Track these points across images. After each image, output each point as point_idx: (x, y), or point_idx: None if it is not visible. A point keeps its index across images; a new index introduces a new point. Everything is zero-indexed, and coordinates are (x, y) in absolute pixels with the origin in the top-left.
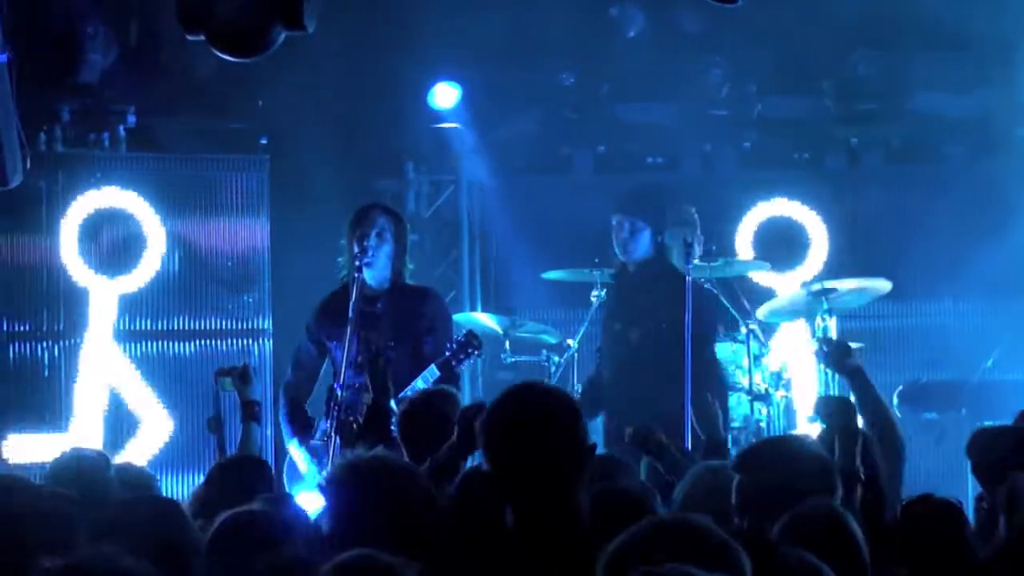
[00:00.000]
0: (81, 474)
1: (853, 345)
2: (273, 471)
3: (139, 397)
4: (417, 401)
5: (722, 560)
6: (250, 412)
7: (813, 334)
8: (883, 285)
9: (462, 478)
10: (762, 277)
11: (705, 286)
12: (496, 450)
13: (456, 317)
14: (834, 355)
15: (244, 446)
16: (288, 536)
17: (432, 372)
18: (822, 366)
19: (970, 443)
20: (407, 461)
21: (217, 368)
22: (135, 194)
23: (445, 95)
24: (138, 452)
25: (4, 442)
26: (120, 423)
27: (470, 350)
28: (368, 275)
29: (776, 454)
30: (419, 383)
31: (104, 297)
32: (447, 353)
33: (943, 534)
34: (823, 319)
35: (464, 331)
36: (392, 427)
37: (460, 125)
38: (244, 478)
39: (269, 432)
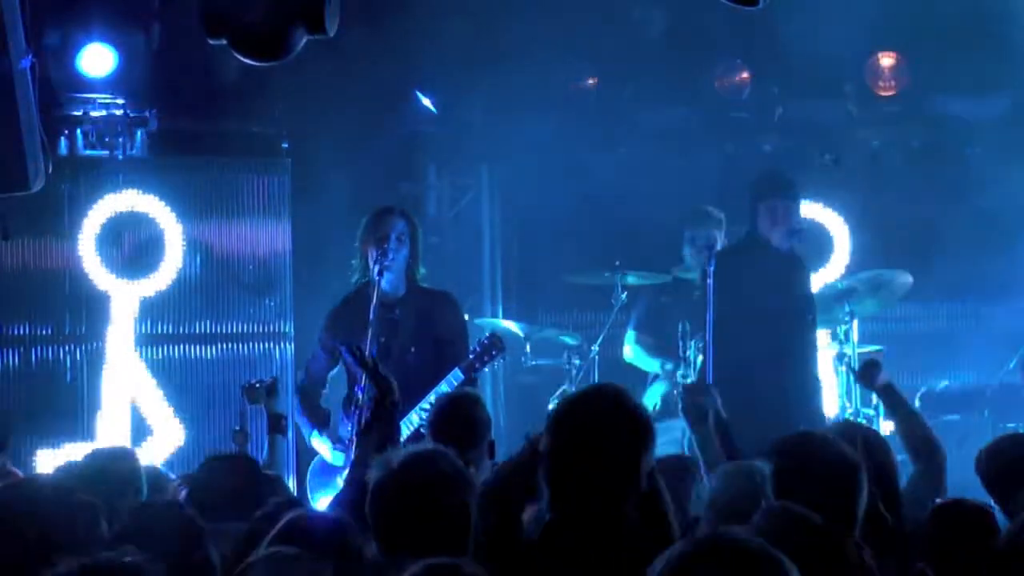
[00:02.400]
0: (108, 471)
1: (872, 349)
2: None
3: (161, 400)
4: (445, 404)
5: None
6: (276, 425)
7: (834, 338)
8: (903, 278)
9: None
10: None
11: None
12: (554, 448)
13: (478, 321)
14: (865, 374)
15: (271, 458)
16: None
17: (456, 376)
18: (857, 385)
19: (977, 460)
20: (454, 464)
21: (245, 383)
22: (154, 197)
23: (428, 100)
24: (160, 455)
25: (34, 457)
26: (142, 426)
27: (494, 352)
28: (384, 280)
29: (812, 446)
30: (443, 387)
31: (125, 300)
32: (471, 356)
33: (973, 538)
34: (845, 323)
35: (488, 333)
36: (397, 428)
37: (480, 129)
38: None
39: (290, 434)
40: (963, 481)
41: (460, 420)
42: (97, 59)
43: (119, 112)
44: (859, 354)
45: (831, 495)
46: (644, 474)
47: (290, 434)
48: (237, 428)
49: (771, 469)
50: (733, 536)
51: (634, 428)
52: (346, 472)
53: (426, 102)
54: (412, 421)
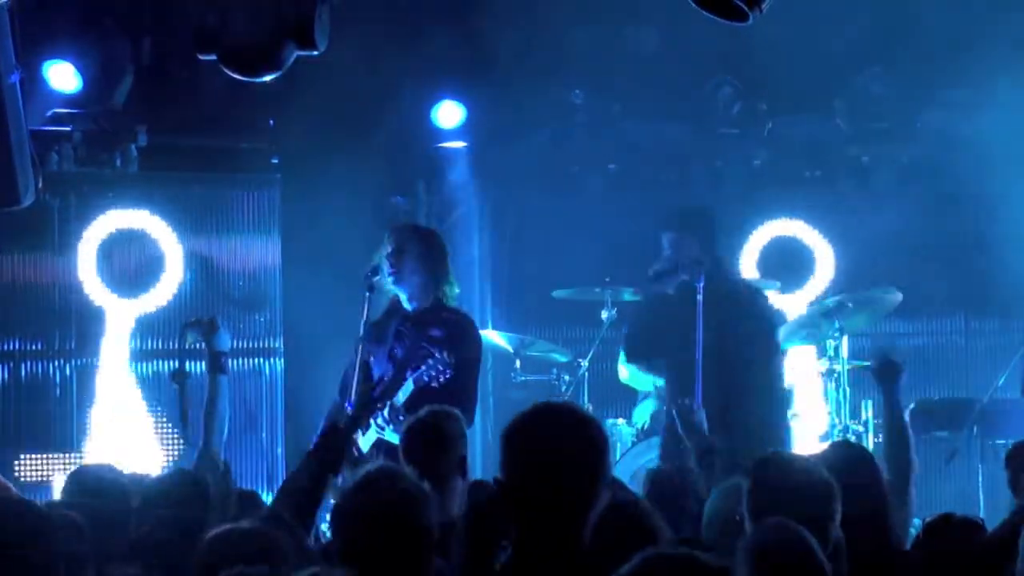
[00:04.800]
0: (94, 489)
1: (861, 365)
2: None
3: (151, 415)
4: (418, 417)
5: None
6: (217, 363)
7: (823, 355)
8: (893, 295)
9: (470, 495)
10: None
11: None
12: (509, 471)
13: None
14: (885, 372)
15: (212, 397)
16: (280, 554)
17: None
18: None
19: (1009, 456)
20: (416, 484)
21: (184, 322)
22: (154, 215)
23: (449, 114)
24: (151, 470)
25: (16, 462)
26: (134, 441)
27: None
28: (401, 294)
29: (786, 465)
30: (400, 397)
31: (120, 317)
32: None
33: (966, 552)
34: (834, 339)
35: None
36: (348, 450)
37: (471, 143)
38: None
39: (279, 451)
40: (953, 495)
41: (430, 433)
42: (63, 76)
43: (109, 127)
44: (848, 370)
45: (803, 516)
46: (604, 488)
47: (280, 448)
48: (176, 369)
49: (746, 487)
50: (682, 552)
51: (591, 442)
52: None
53: (450, 114)
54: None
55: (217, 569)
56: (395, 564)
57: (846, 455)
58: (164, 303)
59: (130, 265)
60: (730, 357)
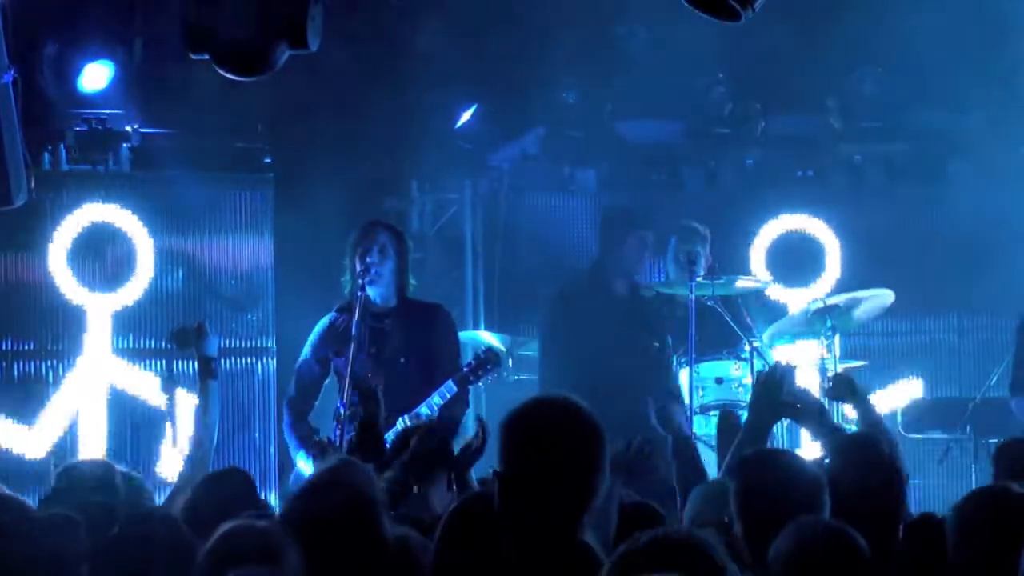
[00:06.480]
0: (85, 486)
1: (855, 364)
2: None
3: (143, 414)
4: (412, 428)
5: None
6: (207, 369)
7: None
8: (885, 295)
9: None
10: (776, 293)
11: (708, 303)
12: (506, 462)
13: (459, 335)
14: (840, 389)
15: (202, 402)
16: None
17: (449, 387)
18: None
19: (997, 455)
20: (364, 477)
21: (171, 329)
22: (127, 211)
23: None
24: (139, 468)
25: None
26: (122, 438)
27: (489, 366)
28: (372, 292)
29: (773, 464)
30: (435, 398)
31: (98, 314)
32: (465, 369)
33: (945, 553)
34: (827, 338)
35: (483, 348)
36: (384, 446)
37: (464, 143)
38: (228, 489)
39: (272, 450)
40: (943, 494)
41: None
42: (96, 75)
43: (102, 127)
44: (843, 368)
45: (793, 512)
46: (601, 486)
47: (272, 447)
48: (164, 375)
49: (733, 488)
50: (675, 532)
51: (588, 435)
52: None
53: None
54: (399, 429)
55: (227, 563)
56: (342, 567)
57: (862, 445)
58: (155, 301)
59: (107, 261)
60: None
